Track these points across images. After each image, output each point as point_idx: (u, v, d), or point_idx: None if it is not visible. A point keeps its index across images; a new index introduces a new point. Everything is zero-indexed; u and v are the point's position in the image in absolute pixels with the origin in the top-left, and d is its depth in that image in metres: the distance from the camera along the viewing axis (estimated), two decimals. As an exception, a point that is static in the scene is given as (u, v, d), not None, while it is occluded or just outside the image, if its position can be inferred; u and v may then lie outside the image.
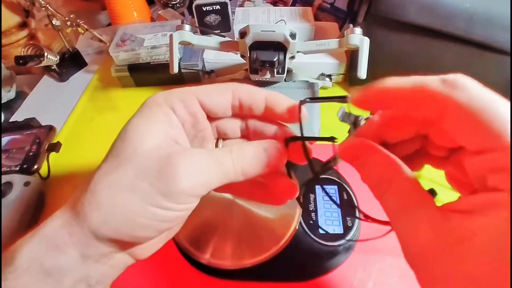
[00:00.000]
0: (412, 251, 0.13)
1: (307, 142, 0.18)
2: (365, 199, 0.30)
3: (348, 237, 0.30)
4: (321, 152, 0.19)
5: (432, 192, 0.15)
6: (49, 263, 0.15)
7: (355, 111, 0.18)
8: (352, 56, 0.45)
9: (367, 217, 0.17)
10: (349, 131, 0.19)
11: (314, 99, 0.20)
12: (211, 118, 0.20)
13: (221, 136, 0.22)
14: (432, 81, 0.13)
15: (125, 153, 0.16)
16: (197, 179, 0.16)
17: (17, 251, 0.15)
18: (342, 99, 0.17)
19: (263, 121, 0.21)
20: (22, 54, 0.50)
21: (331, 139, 0.17)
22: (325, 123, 0.38)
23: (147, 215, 0.16)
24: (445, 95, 0.13)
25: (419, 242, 0.12)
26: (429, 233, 0.12)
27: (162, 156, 0.16)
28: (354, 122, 0.18)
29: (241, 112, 0.20)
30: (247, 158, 0.17)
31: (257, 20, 0.50)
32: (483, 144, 0.12)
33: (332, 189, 0.33)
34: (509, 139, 0.11)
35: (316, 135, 0.39)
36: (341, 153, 0.17)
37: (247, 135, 0.22)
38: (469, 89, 0.12)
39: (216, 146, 0.22)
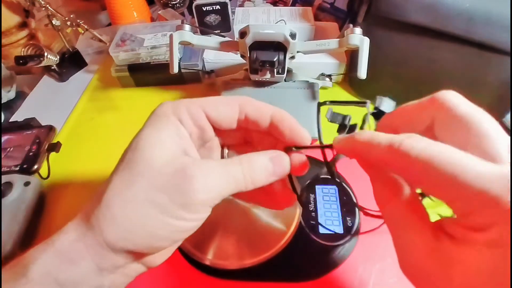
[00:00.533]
0: (407, 263, 0.15)
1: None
2: (365, 198, 0.30)
3: (349, 236, 0.30)
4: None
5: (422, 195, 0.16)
6: (63, 276, 0.16)
7: (343, 111, 0.19)
8: (352, 56, 0.45)
9: (366, 214, 0.18)
10: (338, 131, 0.20)
11: (335, 102, 0.20)
12: (216, 129, 0.20)
13: (225, 143, 0.22)
14: (386, 151, 0.14)
15: (138, 165, 0.16)
16: (213, 191, 0.16)
17: (29, 264, 0.15)
18: (362, 104, 0.19)
19: (265, 135, 0.21)
20: (22, 54, 0.50)
21: (329, 146, 0.18)
22: (324, 123, 0.38)
23: (167, 227, 0.16)
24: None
25: (414, 256, 0.14)
26: (422, 250, 0.14)
27: (177, 169, 0.16)
28: (342, 122, 0.19)
29: (245, 126, 0.20)
30: (256, 169, 0.18)
31: (257, 20, 0.50)
32: (459, 210, 0.13)
33: (332, 189, 0.33)
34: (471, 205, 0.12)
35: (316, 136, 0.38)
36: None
37: (251, 140, 0.22)
38: (418, 155, 0.13)
39: (222, 154, 0.22)
